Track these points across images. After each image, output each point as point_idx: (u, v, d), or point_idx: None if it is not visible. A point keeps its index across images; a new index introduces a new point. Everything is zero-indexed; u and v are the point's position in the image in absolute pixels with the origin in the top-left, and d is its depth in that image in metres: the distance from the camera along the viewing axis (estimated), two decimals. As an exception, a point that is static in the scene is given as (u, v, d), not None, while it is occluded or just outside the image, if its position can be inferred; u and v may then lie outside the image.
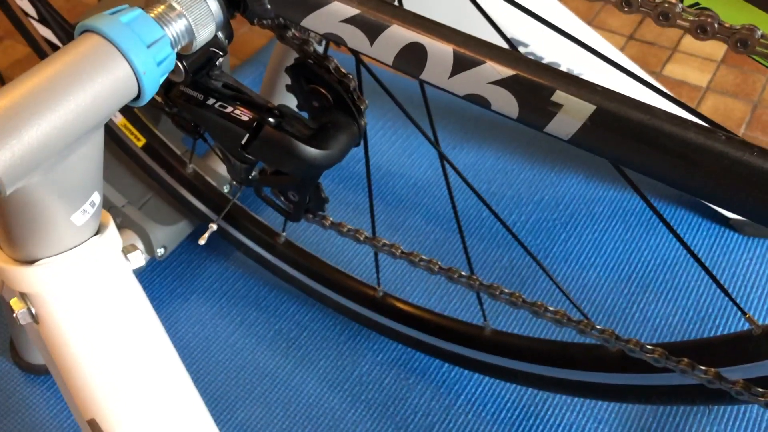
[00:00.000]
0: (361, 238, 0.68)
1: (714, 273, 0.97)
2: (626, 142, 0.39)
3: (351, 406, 0.84)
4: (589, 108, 0.39)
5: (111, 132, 0.94)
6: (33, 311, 0.47)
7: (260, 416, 0.84)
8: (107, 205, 0.92)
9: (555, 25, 0.49)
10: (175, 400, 0.51)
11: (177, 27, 0.43)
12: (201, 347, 0.90)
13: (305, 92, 0.56)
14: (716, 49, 1.29)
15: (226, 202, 0.91)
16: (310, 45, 0.53)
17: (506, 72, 0.40)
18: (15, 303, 0.47)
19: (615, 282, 0.94)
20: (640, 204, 1.03)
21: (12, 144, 0.36)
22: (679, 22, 0.37)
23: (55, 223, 0.43)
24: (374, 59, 0.44)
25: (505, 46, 0.48)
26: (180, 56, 0.49)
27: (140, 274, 0.96)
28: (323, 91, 0.54)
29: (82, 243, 0.46)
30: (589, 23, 1.34)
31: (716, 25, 0.37)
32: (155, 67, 0.41)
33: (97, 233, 0.47)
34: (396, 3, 0.51)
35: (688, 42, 1.31)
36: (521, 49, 1.02)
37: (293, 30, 0.52)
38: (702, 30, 0.36)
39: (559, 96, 0.39)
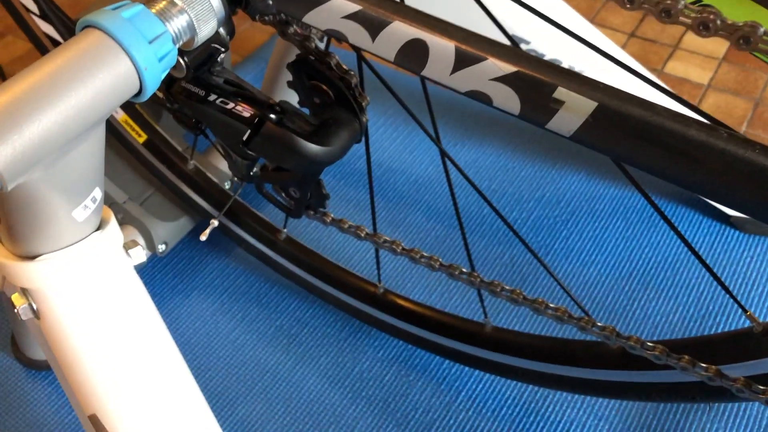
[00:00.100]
0: (362, 235, 0.68)
1: (715, 271, 0.97)
2: (628, 139, 0.39)
3: (352, 402, 0.84)
4: (591, 105, 0.39)
5: (112, 128, 0.94)
6: (34, 307, 0.47)
7: (261, 412, 0.84)
8: (108, 201, 0.92)
9: (556, 22, 0.49)
10: (176, 396, 0.51)
11: (178, 23, 0.43)
12: (202, 343, 0.90)
13: (306, 88, 0.56)
14: (718, 46, 1.29)
15: (228, 199, 0.91)
16: (311, 41, 0.53)
17: (508, 68, 0.40)
18: (16, 298, 0.47)
19: (616, 279, 0.94)
20: (641, 201, 1.03)
21: (13, 139, 0.36)
22: (681, 18, 0.37)
23: (56, 218, 0.43)
24: (376, 56, 0.44)
25: (507, 43, 0.48)
26: (181, 52, 0.49)
27: (141, 270, 0.96)
28: (324, 87, 0.54)
29: (84, 239, 0.46)
30: (591, 21, 1.34)
31: (719, 22, 0.37)
32: (157, 62, 0.40)
33: (98, 229, 0.47)
34: (398, -1, 0.51)
35: (690, 39, 1.31)
36: (523, 47, 1.02)
37: (295, 26, 0.52)
38: (704, 27, 0.36)
39: (560, 93, 0.39)
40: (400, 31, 0.42)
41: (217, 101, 0.54)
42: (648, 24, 1.35)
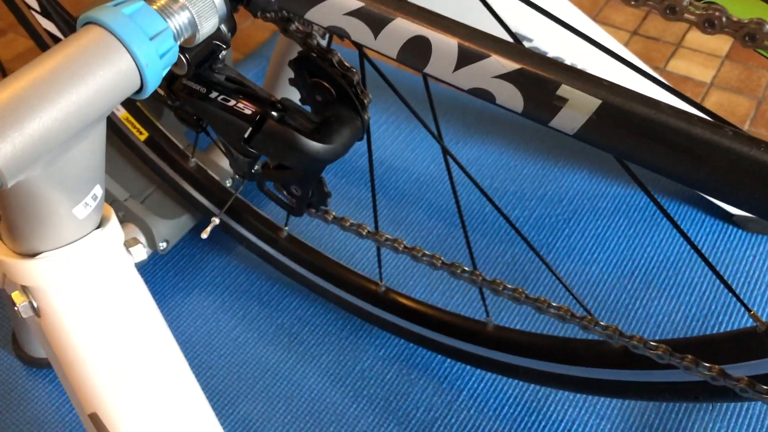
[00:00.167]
0: (364, 233, 0.67)
1: (717, 270, 0.97)
2: (632, 137, 0.39)
3: (353, 401, 0.84)
4: (594, 102, 0.39)
5: (113, 125, 0.94)
6: (34, 304, 0.47)
7: (262, 411, 0.84)
8: (109, 198, 0.92)
9: (560, 19, 0.48)
10: (176, 394, 0.51)
11: (180, 19, 0.42)
12: (203, 341, 0.90)
13: (308, 86, 0.55)
14: (721, 44, 1.28)
15: (229, 196, 0.91)
16: (313, 38, 0.52)
17: (511, 66, 0.39)
18: (16, 296, 0.47)
19: (618, 278, 0.94)
20: (644, 200, 1.03)
21: (13, 137, 0.35)
22: (686, 16, 0.37)
23: (56, 216, 0.43)
24: (378, 52, 0.44)
25: (510, 40, 0.47)
26: (183, 49, 0.49)
27: (142, 267, 0.96)
28: (326, 84, 0.54)
29: (84, 236, 0.46)
30: (593, 18, 1.34)
31: (724, 19, 0.37)
32: (158, 59, 0.40)
33: (99, 227, 0.47)
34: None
35: (693, 37, 1.30)
36: (525, 44, 1.02)
37: (296, 23, 0.52)
38: (710, 24, 0.36)
39: (564, 90, 0.39)
40: (403, 28, 0.41)
41: (219, 98, 0.54)
42: (651, 22, 1.34)
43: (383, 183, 1.07)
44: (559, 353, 0.71)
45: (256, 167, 0.60)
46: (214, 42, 0.50)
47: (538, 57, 0.40)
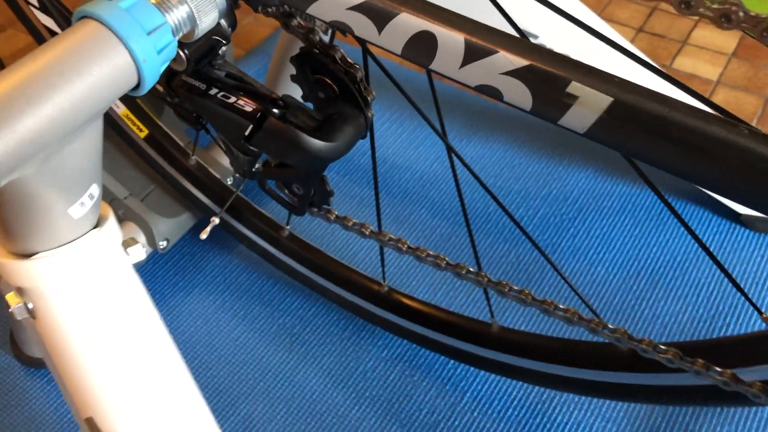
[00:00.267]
0: (367, 233, 0.66)
1: (728, 271, 0.96)
2: (645, 136, 0.38)
3: (355, 402, 0.83)
4: (606, 100, 0.37)
5: (113, 122, 0.93)
6: (30, 306, 0.46)
7: (263, 412, 0.83)
8: (109, 196, 0.91)
9: (567, 13, 0.47)
10: (175, 399, 0.50)
11: (178, 13, 0.41)
12: (203, 342, 0.89)
13: (310, 83, 0.54)
14: (728, 41, 1.27)
15: (230, 195, 0.90)
16: (315, 34, 0.51)
17: (520, 62, 0.38)
18: (11, 298, 0.46)
19: (624, 278, 0.93)
20: (650, 199, 1.02)
21: (4, 134, 0.34)
22: (701, 10, 0.36)
23: (52, 216, 0.42)
24: (382, 48, 0.43)
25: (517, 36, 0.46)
26: (181, 44, 0.48)
27: (142, 267, 0.95)
28: (329, 81, 0.53)
29: (81, 236, 0.45)
30: (598, 15, 1.32)
31: (741, 14, 0.36)
32: (155, 55, 0.39)
33: (96, 226, 0.46)
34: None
35: (699, 34, 1.29)
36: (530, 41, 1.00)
37: (298, 18, 0.51)
38: (726, 19, 0.35)
39: (574, 87, 0.38)
40: (408, 23, 0.40)
41: (219, 95, 0.52)
42: (656, 18, 1.33)
43: (386, 181, 1.06)
44: (565, 355, 0.70)
45: (256, 166, 0.59)
46: (214, 37, 0.49)
47: (547, 53, 0.38)
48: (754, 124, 1.14)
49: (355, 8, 0.42)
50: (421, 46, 0.40)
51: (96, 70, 0.37)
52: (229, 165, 0.84)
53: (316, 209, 0.66)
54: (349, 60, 0.52)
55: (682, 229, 0.98)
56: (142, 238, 0.91)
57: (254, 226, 0.90)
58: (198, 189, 0.91)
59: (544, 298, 0.59)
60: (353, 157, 1.10)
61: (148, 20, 0.39)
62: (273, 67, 0.98)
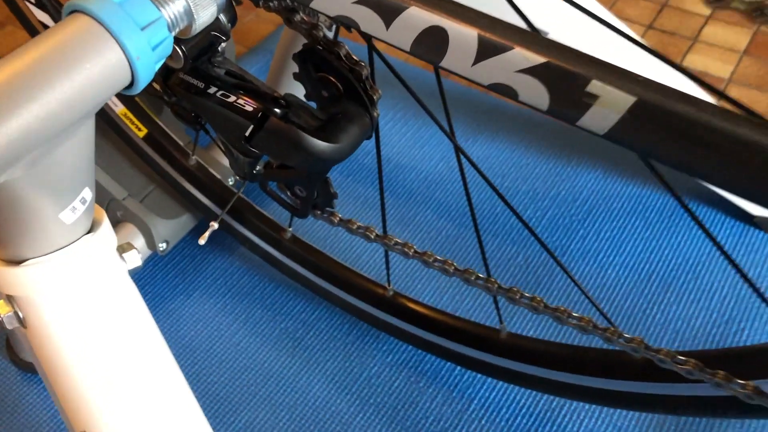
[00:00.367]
0: (372, 237, 0.64)
1: (735, 273, 0.93)
2: (669, 138, 0.36)
3: (359, 409, 0.81)
4: (628, 100, 0.35)
5: (111, 121, 0.91)
6: (20, 315, 0.44)
7: (265, 419, 0.81)
8: (108, 197, 0.89)
9: (582, 6, 0.45)
10: (171, 411, 0.47)
11: (175, 8, 0.39)
12: (204, 346, 0.87)
13: (314, 81, 0.52)
14: (739, 39, 1.24)
15: (231, 195, 0.88)
16: (319, 30, 0.49)
17: (536, 59, 0.36)
18: (1, 306, 0.44)
19: (635, 282, 0.91)
20: (660, 200, 0.99)
21: (-12, 136, 0.32)
22: (734, 5, 0.33)
23: (41, 221, 0.40)
24: (390, 44, 0.41)
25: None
26: (178, 40, 0.45)
27: (141, 269, 0.92)
28: (333, 79, 0.51)
29: (73, 242, 0.42)
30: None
31: (774, 8, 0.33)
32: (150, 51, 0.37)
33: (89, 231, 0.44)
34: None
35: (710, 32, 1.26)
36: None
37: (301, 13, 0.48)
38: (760, 12, 0.32)
39: (595, 86, 0.35)
40: (418, 17, 0.38)
41: (218, 94, 0.50)
42: (666, 15, 1.30)
43: (390, 181, 1.04)
44: (577, 363, 0.68)
45: (257, 168, 0.56)
46: (213, 33, 0.46)
47: (566, 49, 0.36)
48: (767, 123, 1.11)
49: (362, 2, 0.40)
50: (432, 42, 0.38)
51: (87, 68, 0.35)
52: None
53: (319, 212, 0.64)
54: (354, 57, 0.49)
55: (694, 231, 0.96)
56: (141, 239, 0.89)
57: (256, 227, 0.87)
58: (198, 190, 0.89)
59: (557, 306, 0.56)
60: (357, 157, 1.07)
61: (142, 15, 0.36)
62: (275, 65, 0.95)
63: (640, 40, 1.06)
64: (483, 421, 0.79)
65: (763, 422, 0.76)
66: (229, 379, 0.84)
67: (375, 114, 0.52)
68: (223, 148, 0.56)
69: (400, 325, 0.81)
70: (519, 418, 0.79)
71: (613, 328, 0.55)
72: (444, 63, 0.38)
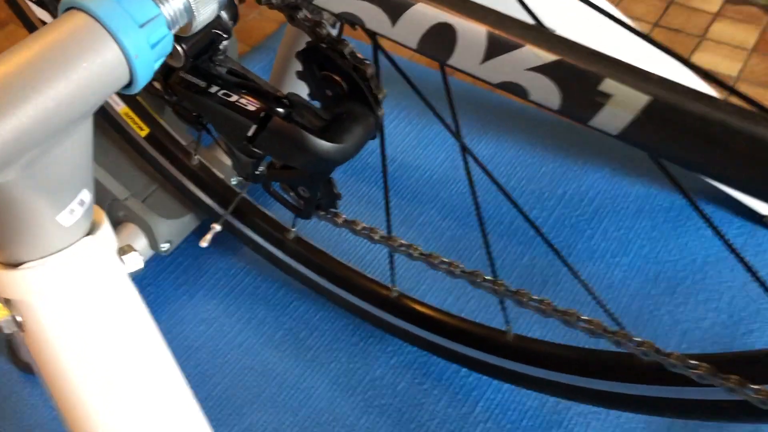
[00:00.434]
0: (376, 238, 0.63)
1: (743, 274, 0.92)
2: (685, 139, 0.34)
3: (363, 411, 0.80)
4: (642, 99, 0.34)
5: (112, 120, 0.90)
6: (18, 319, 0.43)
7: (268, 421, 0.80)
8: (110, 197, 0.88)
9: (592, 3, 0.44)
10: (172, 417, 0.46)
11: (174, 5, 0.38)
12: (206, 347, 0.86)
13: (317, 79, 0.51)
14: (747, 36, 1.23)
15: (234, 195, 0.87)
16: (323, 27, 0.48)
17: (548, 57, 0.35)
18: (-2, 310, 0.43)
19: (642, 282, 0.89)
20: (667, 200, 0.98)
21: (-19, 137, 0.31)
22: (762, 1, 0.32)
23: (38, 223, 0.39)
24: (396, 42, 0.39)
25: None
26: (178, 38, 0.44)
27: (143, 270, 0.91)
28: (337, 78, 0.50)
29: (72, 244, 0.41)
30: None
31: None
32: (149, 49, 0.36)
33: (89, 233, 0.43)
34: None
35: (718, 29, 1.25)
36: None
37: (305, 10, 0.47)
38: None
39: (608, 85, 0.34)
40: (425, 14, 0.37)
41: (220, 93, 0.49)
42: (673, 13, 1.29)
43: (394, 181, 1.02)
44: (584, 366, 0.67)
45: (260, 168, 0.55)
46: (214, 31, 0.45)
47: (578, 47, 0.35)
48: (775, 121, 1.10)
49: (367, -2, 0.39)
50: (439, 40, 0.37)
51: (83, 67, 0.34)
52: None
53: (322, 212, 0.63)
54: (359, 55, 0.48)
55: (701, 231, 0.95)
56: (143, 240, 0.88)
57: (259, 228, 0.87)
58: (201, 190, 0.88)
59: (565, 309, 0.55)
60: (360, 156, 1.05)
61: (141, 12, 0.35)
62: (278, 64, 0.95)
63: (646, 36, 1.05)
64: (489, 424, 0.78)
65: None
66: (232, 381, 0.83)
67: (380, 113, 0.51)
68: (225, 148, 0.55)
69: (404, 327, 0.80)
70: (525, 420, 0.78)
71: (622, 332, 0.54)
72: (452, 61, 0.37)
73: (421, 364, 0.83)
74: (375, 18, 0.38)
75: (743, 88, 1.15)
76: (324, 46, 0.48)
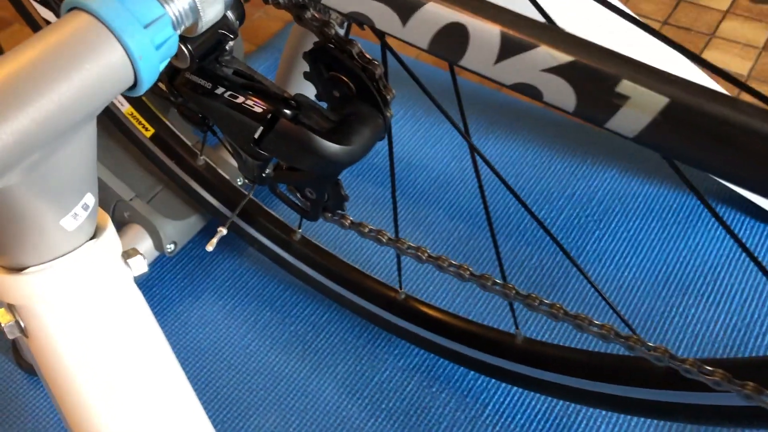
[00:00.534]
0: (384, 240, 0.62)
1: (756, 275, 0.91)
2: (704, 141, 0.33)
3: (371, 415, 0.79)
4: (661, 101, 0.33)
5: (117, 121, 0.90)
6: (22, 324, 0.42)
7: (275, 424, 0.79)
8: (115, 198, 0.88)
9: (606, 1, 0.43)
10: (177, 424, 0.46)
11: (180, 4, 0.37)
12: (212, 350, 0.85)
13: (325, 80, 0.50)
14: (758, 34, 1.22)
15: (239, 196, 0.86)
16: (330, 27, 0.47)
17: (563, 58, 0.34)
18: (1, 315, 0.43)
19: (652, 284, 0.88)
20: (678, 200, 0.97)
21: (-18, 141, 0.30)
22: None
23: (42, 228, 0.38)
24: (406, 42, 0.39)
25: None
26: (184, 39, 0.44)
27: (148, 272, 0.91)
28: (345, 78, 0.49)
29: (75, 249, 0.41)
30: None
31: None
32: (153, 51, 0.35)
33: (93, 237, 0.42)
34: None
35: (728, 27, 1.23)
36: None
37: (312, 10, 0.46)
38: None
39: (625, 86, 0.33)
40: (437, 13, 0.36)
41: (226, 95, 0.48)
42: (682, 11, 1.27)
43: (401, 181, 1.02)
44: (595, 370, 0.66)
45: (267, 170, 0.55)
46: (220, 31, 0.45)
47: (594, 47, 0.34)
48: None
49: (376, -2, 0.38)
50: (451, 40, 0.36)
51: (86, 69, 0.33)
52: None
53: (329, 214, 0.62)
54: (367, 55, 0.48)
55: (713, 232, 0.93)
56: (148, 241, 0.88)
57: (265, 229, 0.86)
58: (206, 190, 0.88)
59: (577, 313, 0.54)
60: (367, 156, 1.05)
61: (145, 12, 0.35)
62: (284, 64, 0.94)
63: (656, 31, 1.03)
64: (497, 428, 0.77)
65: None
66: (238, 383, 0.82)
67: (388, 114, 0.50)
68: (231, 150, 0.54)
69: (412, 329, 0.79)
70: (534, 424, 0.77)
71: (635, 336, 0.53)
72: (464, 62, 0.36)
73: (429, 367, 0.82)
74: (385, 18, 0.37)
75: (754, 86, 1.14)
76: (332, 46, 0.48)
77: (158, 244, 0.88)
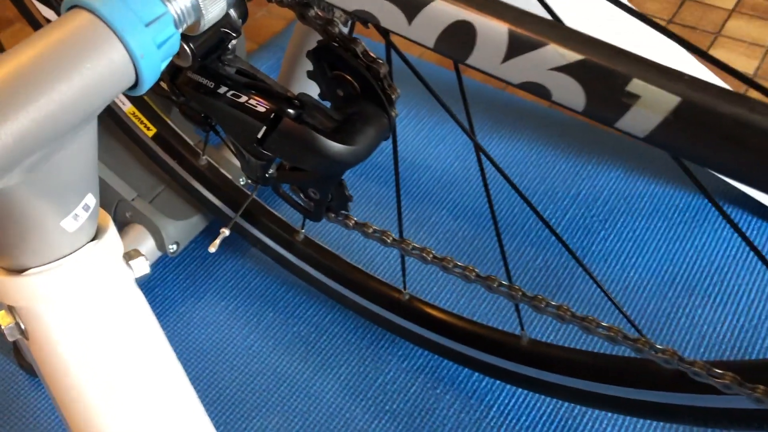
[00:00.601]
0: (389, 241, 0.61)
1: (764, 276, 0.90)
2: (715, 140, 0.33)
3: (374, 416, 0.78)
4: (672, 100, 0.32)
5: (119, 120, 0.89)
6: (22, 326, 0.42)
7: (277, 425, 0.78)
8: (117, 198, 0.87)
9: None
10: (180, 426, 0.45)
11: (181, 3, 0.36)
12: (215, 351, 0.85)
13: (329, 79, 0.49)
14: (764, 33, 1.21)
15: (242, 196, 0.85)
16: (334, 25, 0.46)
17: (572, 56, 0.33)
18: (2, 317, 0.42)
19: (658, 285, 0.88)
20: (683, 200, 0.96)
21: (-19, 141, 0.30)
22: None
23: (42, 229, 0.38)
24: (412, 41, 0.38)
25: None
26: (186, 37, 0.43)
27: (150, 272, 0.90)
28: (349, 78, 0.48)
29: (76, 250, 0.40)
30: (627, 5, 1.26)
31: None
32: (155, 49, 0.34)
33: (94, 238, 0.41)
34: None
35: (734, 25, 1.23)
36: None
37: (316, 8, 0.46)
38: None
39: (636, 85, 0.33)
40: (443, 11, 0.35)
41: (228, 94, 0.48)
42: (687, 9, 1.27)
43: (405, 181, 1.01)
44: (600, 371, 0.65)
45: (270, 171, 0.54)
46: (223, 30, 0.44)
47: (604, 46, 0.33)
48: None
49: (382, -5, 0.37)
50: (458, 39, 0.35)
51: (87, 68, 0.32)
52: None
53: (333, 215, 0.62)
54: (372, 54, 0.47)
55: (719, 232, 0.93)
56: (150, 241, 0.87)
57: (268, 229, 0.85)
58: (209, 190, 0.87)
59: (584, 315, 0.54)
60: (371, 156, 1.05)
61: (147, 10, 0.34)
62: (287, 63, 0.93)
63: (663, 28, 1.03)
64: (502, 430, 0.76)
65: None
66: (240, 384, 0.82)
67: (393, 114, 0.49)
68: (233, 149, 0.54)
69: (416, 330, 0.78)
70: (539, 426, 0.76)
71: (643, 339, 0.52)
72: (471, 60, 0.36)
73: (433, 368, 0.82)
74: (390, 16, 0.37)
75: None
76: (336, 45, 0.47)
77: (160, 245, 0.88)
